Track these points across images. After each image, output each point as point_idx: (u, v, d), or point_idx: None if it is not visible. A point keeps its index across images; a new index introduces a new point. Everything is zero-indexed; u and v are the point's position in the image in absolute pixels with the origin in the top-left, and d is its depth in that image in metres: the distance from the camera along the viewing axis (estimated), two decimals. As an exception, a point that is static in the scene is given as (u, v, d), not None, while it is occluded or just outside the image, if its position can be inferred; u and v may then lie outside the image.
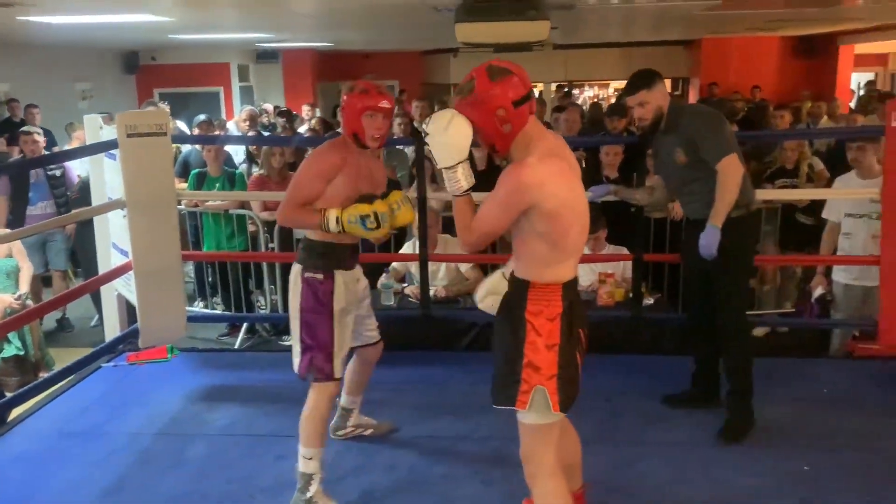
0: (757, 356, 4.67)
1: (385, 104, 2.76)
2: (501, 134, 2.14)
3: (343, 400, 3.27)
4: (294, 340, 2.85)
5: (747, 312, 5.29)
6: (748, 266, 3.47)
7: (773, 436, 3.31)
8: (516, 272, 2.26)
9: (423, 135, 2.20)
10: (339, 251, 2.84)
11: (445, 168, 2.17)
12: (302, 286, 2.80)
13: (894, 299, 3.62)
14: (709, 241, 3.13)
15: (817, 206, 5.27)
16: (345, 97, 2.82)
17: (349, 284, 2.87)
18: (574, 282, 2.26)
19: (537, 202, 2.09)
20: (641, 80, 3.23)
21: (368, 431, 3.34)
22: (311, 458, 2.79)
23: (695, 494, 2.88)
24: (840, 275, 4.43)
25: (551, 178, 2.10)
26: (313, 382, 2.83)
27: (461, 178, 2.17)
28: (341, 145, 2.83)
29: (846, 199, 4.25)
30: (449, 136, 2.13)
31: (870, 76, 13.81)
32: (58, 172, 6.17)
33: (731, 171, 3.10)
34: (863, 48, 12.23)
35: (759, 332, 5.47)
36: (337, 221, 2.70)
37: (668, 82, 15.08)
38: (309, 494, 2.76)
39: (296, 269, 2.85)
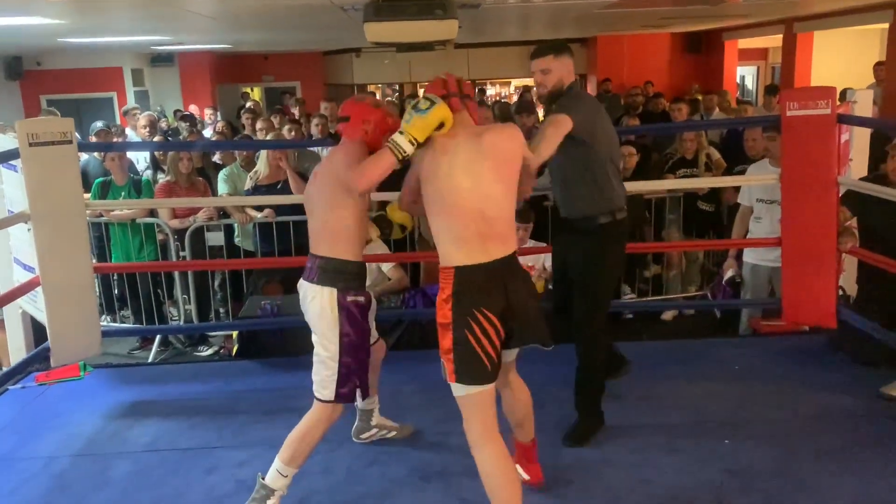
0: (667, 339, 4.94)
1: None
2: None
3: (360, 403, 3.20)
4: (324, 367, 2.73)
5: (654, 298, 5.58)
6: (612, 275, 3.31)
7: (690, 413, 3.47)
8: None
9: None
10: (365, 269, 2.83)
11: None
12: (343, 311, 2.68)
13: (794, 277, 3.86)
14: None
15: (716, 193, 5.58)
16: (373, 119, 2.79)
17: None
18: (477, 267, 2.42)
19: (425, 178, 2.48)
20: (550, 46, 3.10)
21: (392, 434, 3.29)
22: (285, 476, 2.72)
23: (624, 474, 2.99)
24: (749, 256, 4.68)
25: (441, 149, 2.51)
26: (325, 403, 2.73)
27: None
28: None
29: (758, 186, 4.48)
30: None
31: (752, 69, 14.62)
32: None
33: (558, 122, 2.90)
34: (745, 43, 12.93)
35: (667, 315, 5.74)
36: (401, 132, 2.50)
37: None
38: None
39: (326, 292, 2.68)
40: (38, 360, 4.00)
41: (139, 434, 3.48)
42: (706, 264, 5.99)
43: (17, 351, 4.18)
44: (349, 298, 2.69)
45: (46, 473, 3.16)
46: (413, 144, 2.49)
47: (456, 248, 2.43)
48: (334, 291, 2.68)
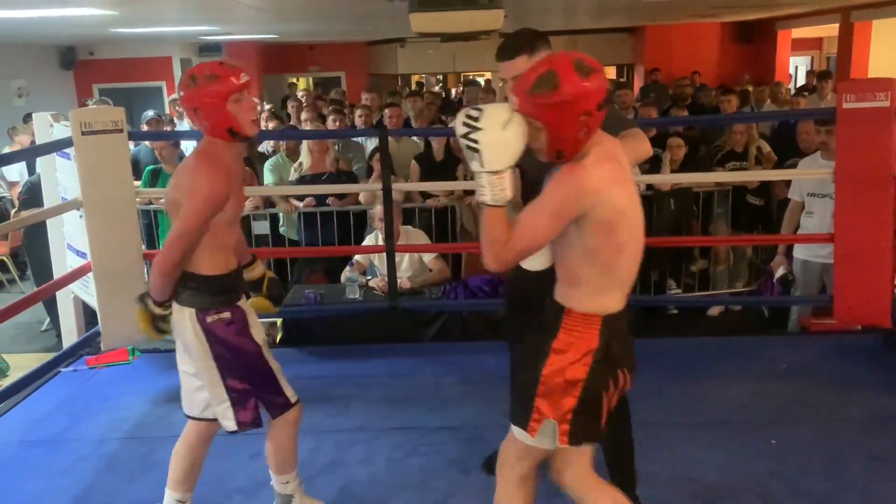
0: (713, 335, 4.84)
1: (245, 77, 2.25)
2: (577, 139, 1.82)
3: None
4: (211, 395, 2.43)
5: (699, 294, 5.47)
6: None
7: (737, 412, 3.41)
8: (556, 294, 2.01)
9: (467, 126, 1.83)
10: (232, 278, 2.42)
11: (492, 171, 1.83)
12: (206, 334, 2.33)
13: (847, 275, 3.76)
14: None
15: (766, 187, 5.45)
16: (189, 92, 2.24)
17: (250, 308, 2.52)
18: (622, 314, 1.98)
19: (591, 209, 1.82)
20: (521, 42, 2.33)
21: None
22: (287, 482, 2.65)
23: (669, 472, 2.95)
24: (800, 251, 4.56)
25: (609, 184, 1.84)
26: (272, 420, 2.52)
27: (507, 186, 1.84)
28: (219, 155, 2.30)
29: (809, 180, 4.36)
30: (507, 136, 1.82)
31: (806, 59, 14.25)
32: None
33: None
34: (799, 33, 12.59)
35: (713, 311, 5.63)
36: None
37: (612, 69, 15.50)
38: None
39: (186, 314, 2.34)
40: (89, 343, 4.11)
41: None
42: (754, 260, 5.86)
43: (69, 334, 4.29)
44: (209, 319, 2.32)
45: (96, 454, 3.24)
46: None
47: (608, 294, 1.96)
48: (193, 312, 2.33)
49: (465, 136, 1.83)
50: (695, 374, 3.79)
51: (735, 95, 6.79)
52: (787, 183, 4.79)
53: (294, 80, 14.54)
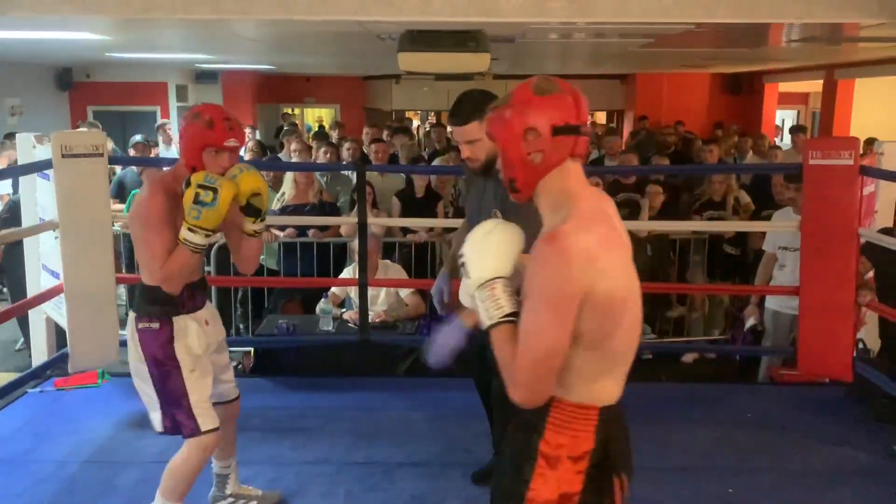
0: (685, 382, 4.87)
1: (233, 142, 2.42)
2: (525, 163, 1.59)
3: (214, 466, 2.89)
4: (143, 394, 2.59)
5: (674, 339, 5.51)
6: None
7: (698, 459, 3.43)
8: None
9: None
10: (170, 295, 2.51)
11: (479, 286, 1.62)
12: (138, 337, 2.51)
13: (812, 328, 3.81)
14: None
15: (743, 237, 5.53)
16: (186, 122, 2.46)
17: (193, 329, 2.57)
18: (618, 407, 1.66)
19: (591, 286, 1.50)
20: (473, 108, 2.35)
21: (253, 503, 2.95)
22: None
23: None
24: (772, 302, 4.63)
25: (601, 251, 1.52)
26: (184, 439, 2.56)
27: (501, 298, 1.60)
28: (169, 182, 2.48)
29: (782, 233, 4.44)
30: (489, 241, 1.64)
31: (793, 113, 14.49)
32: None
33: None
34: (787, 87, 12.84)
35: (687, 358, 5.66)
36: (192, 230, 2.37)
37: (603, 115, 15.68)
38: None
39: (131, 317, 2.57)
40: (57, 364, 4.10)
41: (149, 444, 3.52)
42: (731, 308, 5.91)
43: (40, 355, 4.28)
44: (140, 325, 2.51)
45: (56, 477, 3.22)
46: (209, 235, 2.38)
47: (606, 379, 1.63)
48: (133, 316, 2.56)
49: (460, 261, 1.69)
50: (663, 419, 3.81)
51: (716, 145, 6.90)
52: (763, 234, 4.87)
53: (289, 111, 14.67)
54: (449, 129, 6.56)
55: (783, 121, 14.28)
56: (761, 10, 4.04)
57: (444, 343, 2.05)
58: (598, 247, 1.51)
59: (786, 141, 10.98)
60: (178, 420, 2.53)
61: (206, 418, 2.55)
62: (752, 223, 5.12)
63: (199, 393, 2.55)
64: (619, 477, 1.65)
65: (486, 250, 1.64)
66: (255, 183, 2.48)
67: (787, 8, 4.03)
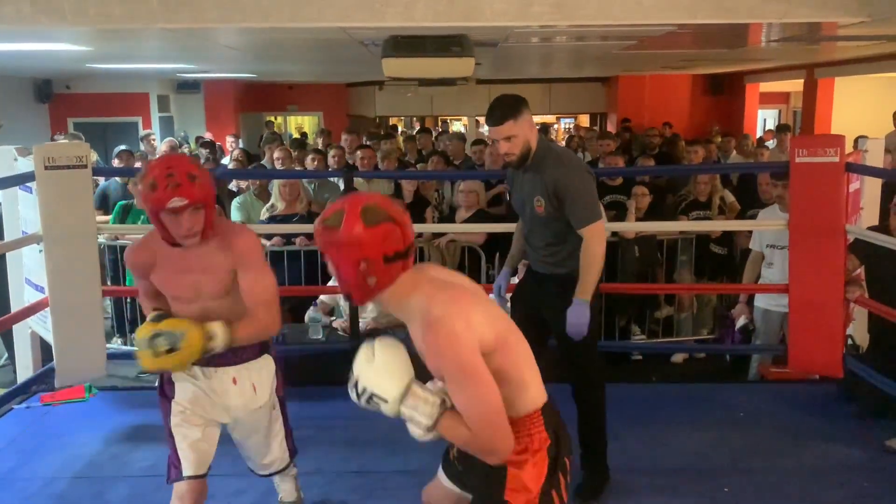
0: (675, 382, 4.88)
1: (176, 202, 2.21)
2: (362, 286, 1.79)
3: None
4: None
5: (664, 340, 5.53)
6: (595, 323, 3.10)
7: (694, 459, 3.43)
8: None
9: (357, 395, 1.84)
10: None
11: (400, 404, 1.79)
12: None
13: (801, 325, 3.82)
14: (580, 319, 2.84)
15: (729, 236, 5.56)
16: (139, 186, 2.35)
17: (195, 384, 2.49)
18: (550, 400, 1.93)
19: (479, 341, 1.74)
20: (507, 109, 2.80)
21: None
22: None
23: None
24: (761, 300, 4.64)
25: (468, 312, 1.76)
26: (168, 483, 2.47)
27: (424, 396, 1.79)
28: (146, 238, 2.47)
29: (769, 231, 4.45)
30: (378, 368, 1.80)
31: (774, 112, 14.63)
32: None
33: (599, 238, 2.85)
34: (767, 87, 12.95)
35: (677, 358, 5.68)
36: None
37: (586, 117, 15.74)
38: None
39: None
40: (43, 379, 4.05)
41: (139, 458, 3.49)
42: (719, 307, 5.93)
43: (25, 370, 4.22)
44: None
45: (44, 494, 3.18)
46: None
47: (531, 387, 1.89)
48: None
49: (364, 400, 1.83)
50: (655, 420, 3.82)
51: (701, 146, 6.94)
52: (749, 233, 4.89)
53: (272, 119, 14.63)
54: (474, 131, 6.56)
55: (764, 120, 14.40)
56: (742, 10, 4.08)
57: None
58: (463, 311, 1.74)
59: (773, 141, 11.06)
60: (169, 461, 2.47)
61: (190, 463, 2.43)
62: (740, 222, 5.15)
63: (186, 438, 2.45)
64: (569, 458, 1.93)
65: (380, 374, 1.78)
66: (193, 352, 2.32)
67: (767, 8, 4.06)
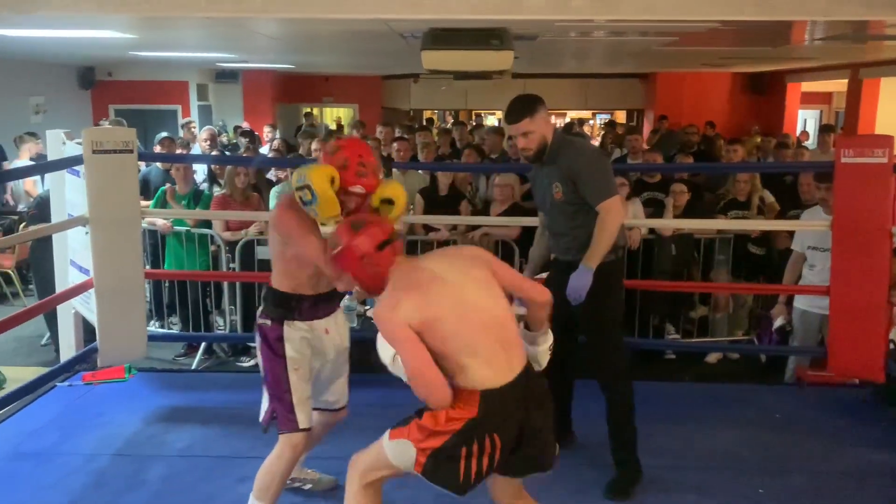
0: (709, 382, 4.83)
1: (358, 189, 2.52)
2: (372, 275, 2.33)
3: None
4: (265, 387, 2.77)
5: (698, 340, 5.47)
6: (621, 309, 3.23)
7: (727, 460, 3.40)
8: None
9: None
10: (295, 301, 2.70)
11: (389, 360, 2.29)
12: (257, 332, 2.74)
13: (843, 328, 3.76)
14: (581, 282, 2.93)
15: (768, 237, 5.48)
16: (323, 156, 2.60)
17: (306, 336, 2.72)
18: (507, 389, 2.22)
19: (408, 322, 2.18)
20: (524, 107, 3.00)
21: (308, 486, 3.14)
22: None
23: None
24: (800, 301, 4.56)
25: (403, 298, 2.22)
26: (279, 434, 2.71)
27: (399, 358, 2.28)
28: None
29: (811, 232, 4.37)
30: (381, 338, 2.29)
31: (816, 113, 14.35)
32: None
33: (615, 214, 2.95)
34: (809, 87, 12.72)
35: (711, 358, 5.62)
36: (324, 225, 2.61)
37: (622, 114, 15.60)
38: None
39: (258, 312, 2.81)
40: (86, 359, 4.14)
41: (176, 438, 3.56)
42: (755, 309, 5.85)
43: (68, 349, 4.32)
44: (259, 320, 2.75)
45: (85, 470, 3.25)
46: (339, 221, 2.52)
47: (474, 370, 2.23)
48: (257, 314, 2.80)
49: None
50: (688, 419, 3.79)
51: (741, 145, 6.84)
52: (790, 233, 4.81)
53: (309, 110, 14.73)
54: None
55: (805, 121, 14.14)
56: (786, 7, 4.00)
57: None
58: (396, 298, 2.23)
59: (810, 141, 10.85)
60: (279, 415, 2.69)
61: (305, 419, 2.70)
62: (782, 222, 5.07)
63: (300, 393, 2.70)
64: (491, 437, 2.20)
65: (383, 345, 2.28)
66: (397, 195, 2.60)
67: (813, 5, 3.98)
